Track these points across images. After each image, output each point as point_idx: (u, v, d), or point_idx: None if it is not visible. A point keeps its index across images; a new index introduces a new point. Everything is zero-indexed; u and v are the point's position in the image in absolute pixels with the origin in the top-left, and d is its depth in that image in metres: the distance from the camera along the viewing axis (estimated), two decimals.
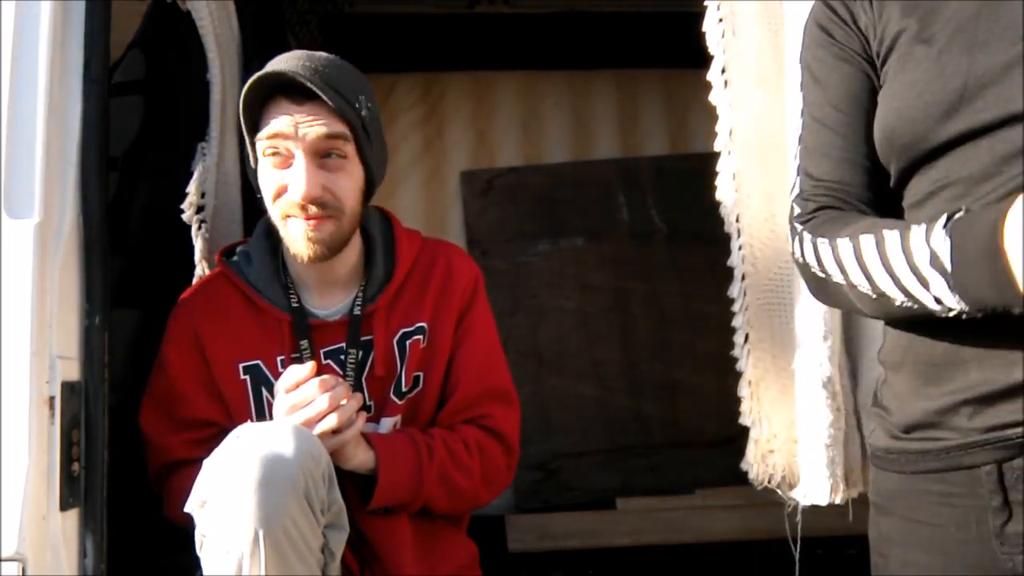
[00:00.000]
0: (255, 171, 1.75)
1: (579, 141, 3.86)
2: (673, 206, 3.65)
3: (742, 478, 1.92)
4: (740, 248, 1.88)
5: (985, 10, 1.16)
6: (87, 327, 1.54)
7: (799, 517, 1.79)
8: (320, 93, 1.63)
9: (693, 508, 3.24)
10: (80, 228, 1.55)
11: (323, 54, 1.73)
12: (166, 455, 1.78)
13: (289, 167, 1.68)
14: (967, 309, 1.08)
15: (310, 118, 1.65)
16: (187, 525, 1.54)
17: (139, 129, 2.20)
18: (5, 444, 1.41)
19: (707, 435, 3.29)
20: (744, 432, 1.89)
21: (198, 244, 2.02)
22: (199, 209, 2.04)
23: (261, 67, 1.70)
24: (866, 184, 1.28)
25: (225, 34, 2.14)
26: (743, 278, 1.88)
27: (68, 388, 1.48)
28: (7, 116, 1.50)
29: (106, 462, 1.53)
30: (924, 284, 1.09)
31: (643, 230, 3.72)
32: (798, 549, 1.48)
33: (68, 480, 1.47)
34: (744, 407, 1.87)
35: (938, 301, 1.09)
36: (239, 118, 1.73)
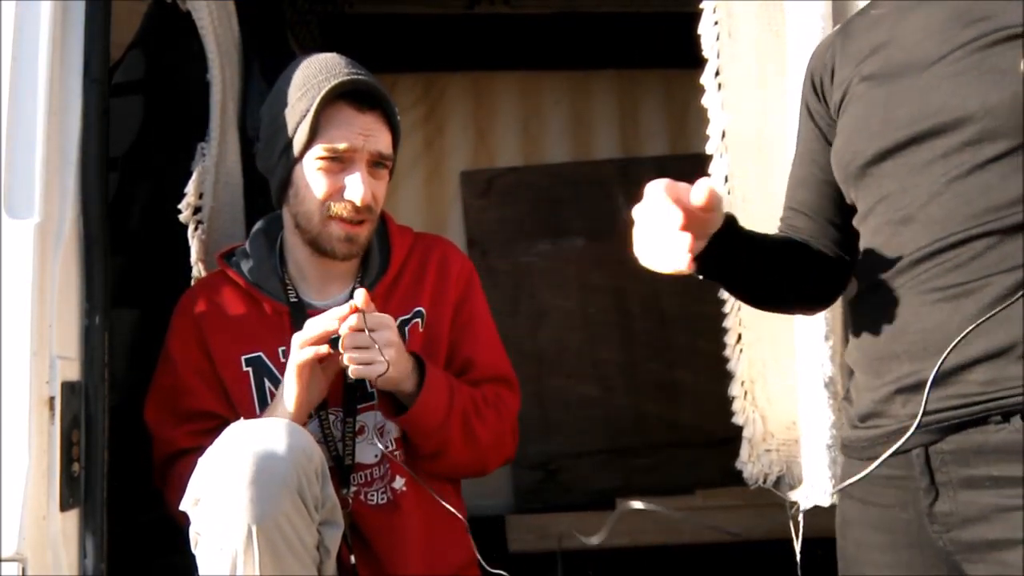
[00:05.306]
0: (285, 164, 1.78)
1: (579, 141, 3.86)
2: None
3: (742, 478, 1.92)
4: None
5: (907, 47, 1.34)
6: (87, 327, 1.54)
7: (800, 517, 1.79)
8: (388, 106, 1.76)
9: (693, 508, 3.24)
10: (80, 228, 1.55)
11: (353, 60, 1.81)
12: (170, 446, 1.79)
13: (344, 171, 1.75)
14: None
15: (373, 129, 1.77)
16: (186, 519, 1.54)
17: (139, 129, 2.20)
18: (5, 444, 1.41)
19: (707, 435, 3.29)
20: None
21: (194, 245, 2.02)
22: (196, 210, 2.04)
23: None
24: (803, 222, 1.53)
25: (225, 34, 2.14)
26: None
27: (68, 388, 1.48)
28: (7, 116, 1.50)
29: (106, 462, 1.53)
30: None
31: None
32: (798, 550, 1.48)
33: (68, 480, 1.47)
34: (736, 406, 1.89)
35: None
36: (268, 119, 1.78)
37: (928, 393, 1.24)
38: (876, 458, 1.32)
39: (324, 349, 1.64)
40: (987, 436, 1.22)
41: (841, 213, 1.48)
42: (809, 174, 1.52)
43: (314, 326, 1.64)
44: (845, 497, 1.43)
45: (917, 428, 1.24)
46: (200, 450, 1.54)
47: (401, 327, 1.82)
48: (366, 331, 1.62)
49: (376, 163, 1.78)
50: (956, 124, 1.25)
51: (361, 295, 1.65)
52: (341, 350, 1.63)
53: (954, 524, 1.25)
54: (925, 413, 1.24)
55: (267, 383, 1.78)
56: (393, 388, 1.70)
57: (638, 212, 1.31)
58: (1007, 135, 1.21)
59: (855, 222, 1.42)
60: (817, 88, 1.50)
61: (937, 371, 1.23)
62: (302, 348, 1.64)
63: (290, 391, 1.66)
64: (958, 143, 1.24)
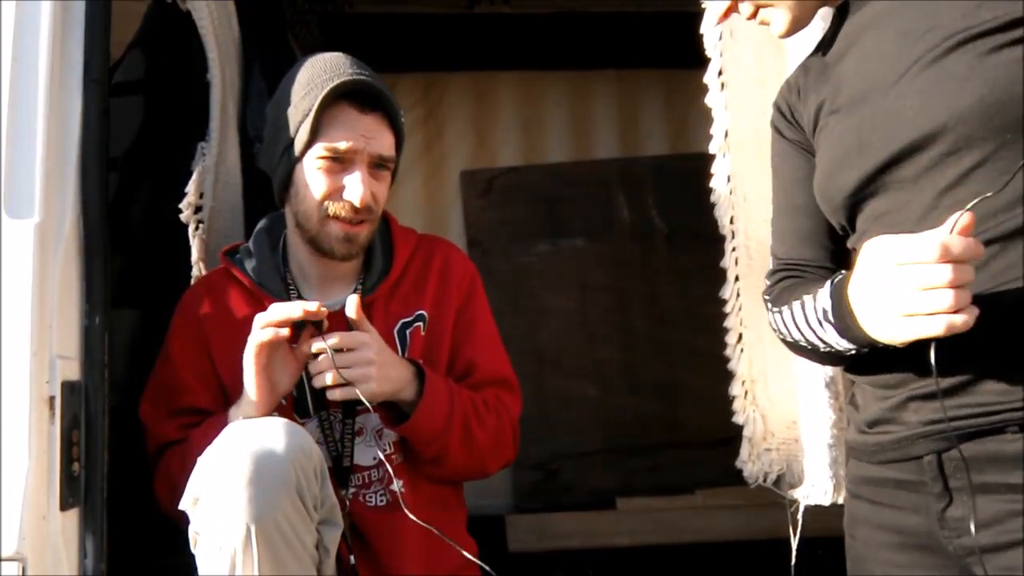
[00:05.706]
0: (286, 163, 1.77)
1: (579, 141, 3.86)
2: (673, 206, 3.65)
3: (742, 478, 1.93)
4: (734, 250, 1.90)
5: (865, 73, 1.36)
6: (87, 327, 1.54)
7: (800, 516, 1.79)
8: (391, 108, 1.75)
9: (693, 508, 3.24)
10: (80, 228, 1.55)
11: (358, 61, 1.80)
12: (161, 439, 1.80)
13: (345, 171, 1.75)
14: (855, 348, 1.30)
15: (375, 130, 1.75)
16: (173, 506, 1.55)
17: (139, 129, 2.20)
18: (5, 444, 1.41)
19: (707, 435, 3.28)
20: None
21: (195, 245, 2.02)
22: (197, 209, 2.04)
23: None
24: (813, 255, 1.49)
25: (225, 34, 2.14)
26: (736, 279, 1.89)
27: (68, 388, 1.48)
28: (7, 116, 1.50)
29: (106, 462, 1.53)
30: (825, 333, 1.33)
31: (643, 230, 3.72)
32: (795, 548, 1.49)
33: (68, 480, 1.47)
34: (737, 406, 1.89)
35: (839, 344, 1.32)
36: (279, 119, 1.78)
37: (942, 401, 1.23)
38: (886, 463, 1.35)
39: (285, 332, 1.63)
40: (1003, 446, 1.21)
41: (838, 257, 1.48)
42: (816, 226, 1.48)
43: (278, 310, 1.64)
44: (853, 497, 1.45)
45: (928, 435, 1.27)
46: (186, 440, 1.54)
47: (403, 329, 1.82)
48: (304, 349, 1.64)
49: (377, 164, 1.77)
50: (931, 138, 1.25)
51: (353, 302, 1.64)
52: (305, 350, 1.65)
53: (965, 529, 1.24)
54: (936, 421, 1.26)
55: None
56: (390, 398, 1.70)
57: (892, 262, 1.16)
58: (983, 140, 1.21)
59: (851, 243, 1.42)
60: (787, 116, 1.50)
61: (953, 381, 1.23)
62: (263, 329, 1.63)
63: (248, 373, 1.65)
64: (938, 155, 1.25)
